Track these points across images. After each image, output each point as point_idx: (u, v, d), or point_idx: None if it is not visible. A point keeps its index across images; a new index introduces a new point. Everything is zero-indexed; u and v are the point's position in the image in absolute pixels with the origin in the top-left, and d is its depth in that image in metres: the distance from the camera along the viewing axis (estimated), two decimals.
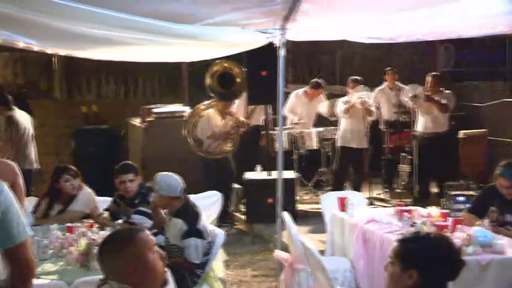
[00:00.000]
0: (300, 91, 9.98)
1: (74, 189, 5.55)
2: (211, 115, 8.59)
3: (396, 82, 9.95)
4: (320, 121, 10.34)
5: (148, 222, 5.14)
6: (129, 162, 5.87)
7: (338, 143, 9.41)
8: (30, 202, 5.83)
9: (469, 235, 4.57)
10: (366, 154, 9.72)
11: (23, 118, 8.62)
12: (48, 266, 4.33)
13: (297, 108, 9.86)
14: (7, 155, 8.35)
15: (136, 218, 5.18)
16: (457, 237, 4.57)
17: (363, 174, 9.54)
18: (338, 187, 8.99)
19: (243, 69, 8.04)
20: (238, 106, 9.11)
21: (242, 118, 8.77)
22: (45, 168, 8.81)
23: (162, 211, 5.11)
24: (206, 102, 8.79)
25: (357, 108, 9.10)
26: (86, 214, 5.48)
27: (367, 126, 9.16)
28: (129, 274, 2.53)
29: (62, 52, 5.85)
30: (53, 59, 11.29)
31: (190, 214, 4.83)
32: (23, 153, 8.54)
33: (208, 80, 8.23)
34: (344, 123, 9.34)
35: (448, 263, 2.62)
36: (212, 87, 8.27)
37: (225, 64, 8.15)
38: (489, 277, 4.35)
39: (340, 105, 9.32)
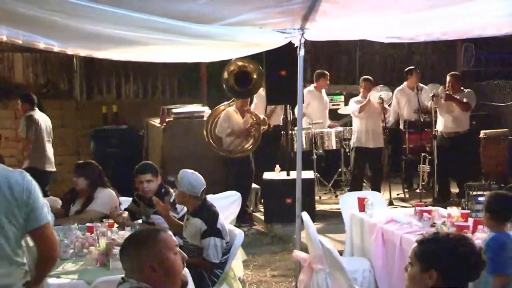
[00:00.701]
0: (311, 87, 9.98)
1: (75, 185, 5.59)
2: (230, 113, 8.61)
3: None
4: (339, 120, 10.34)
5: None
6: (149, 162, 5.88)
7: (354, 144, 9.35)
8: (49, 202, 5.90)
9: None
10: (384, 154, 9.66)
11: (42, 119, 8.74)
12: (69, 266, 4.36)
13: (312, 104, 9.81)
14: (26, 154, 8.49)
15: (155, 218, 5.19)
16: (478, 238, 4.53)
17: (382, 173, 9.49)
18: (355, 188, 8.94)
19: (259, 66, 8.07)
20: (257, 105, 9.13)
21: (262, 116, 8.76)
22: (65, 168, 8.90)
23: (179, 207, 5.16)
24: (226, 102, 8.82)
25: (373, 107, 9.06)
26: (105, 214, 5.51)
27: (384, 125, 9.12)
28: (148, 273, 2.55)
29: (82, 52, 5.90)
30: (74, 59, 11.38)
31: (208, 214, 4.84)
32: (42, 154, 8.64)
33: (225, 80, 8.26)
34: (359, 124, 9.28)
35: (468, 263, 2.59)
36: (229, 86, 8.30)
37: (240, 63, 8.17)
38: None
39: (353, 105, 9.29)
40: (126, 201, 5.73)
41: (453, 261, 2.57)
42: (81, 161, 5.94)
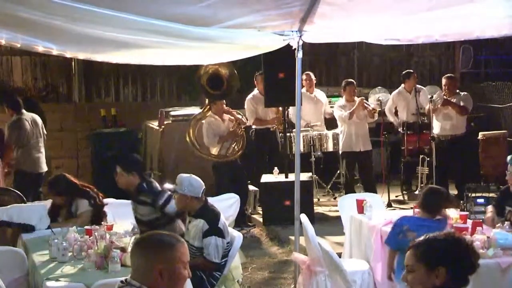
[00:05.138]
0: (303, 89, 9.92)
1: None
2: (211, 122, 8.49)
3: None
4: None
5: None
6: (135, 155, 5.89)
7: (342, 149, 9.29)
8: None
9: (490, 237, 4.53)
10: (371, 156, 9.58)
11: (30, 122, 8.59)
12: (67, 269, 4.37)
13: (303, 105, 9.74)
14: (11, 160, 8.44)
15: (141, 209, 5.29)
16: (477, 239, 4.54)
17: (372, 176, 9.45)
18: (349, 191, 8.88)
19: (232, 67, 8.17)
20: (258, 108, 9.11)
21: (238, 115, 8.72)
22: (64, 171, 8.88)
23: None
24: (200, 111, 8.85)
25: (358, 110, 9.04)
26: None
27: (381, 128, 9.12)
28: (155, 277, 2.56)
29: (81, 56, 5.89)
30: (72, 63, 11.38)
31: (210, 214, 4.87)
32: (31, 157, 8.54)
33: (200, 84, 8.34)
34: (346, 128, 9.19)
35: (468, 254, 2.62)
36: (204, 90, 8.38)
37: (210, 69, 8.24)
38: (510, 280, 4.31)
39: (340, 110, 9.19)
40: (124, 204, 5.73)
41: (458, 254, 2.60)
42: (51, 178, 5.94)
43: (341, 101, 9.38)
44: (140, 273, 2.58)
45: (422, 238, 2.70)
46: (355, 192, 8.66)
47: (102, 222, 5.34)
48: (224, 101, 8.57)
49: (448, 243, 2.62)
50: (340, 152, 9.36)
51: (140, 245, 2.68)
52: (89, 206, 5.54)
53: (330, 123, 9.99)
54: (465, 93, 9.27)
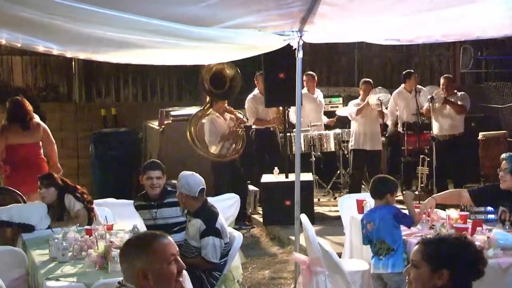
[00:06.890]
0: (304, 89, 9.93)
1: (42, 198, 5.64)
2: (214, 120, 8.50)
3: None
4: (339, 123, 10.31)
5: None
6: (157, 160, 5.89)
7: (352, 146, 9.40)
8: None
9: (490, 238, 4.53)
10: (382, 156, 9.64)
11: None
12: (67, 269, 4.36)
13: (304, 106, 9.76)
14: None
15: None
16: (478, 239, 4.53)
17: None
18: (354, 190, 8.95)
19: (235, 66, 8.17)
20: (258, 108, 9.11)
21: (239, 114, 8.71)
22: (64, 171, 8.88)
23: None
24: (200, 108, 8.84)
25: (370, 109, 9.08)
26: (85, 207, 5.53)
27: (381, 128, 9.14)
28: (141, 279, 2.55)
29: (82, 55, 5.89)
30: (72, 63, 11.38)
31: (208, 214, 4.87)
32: None
33: (201, 84, 8.34)
34: (356, 126, 9.31)
35: (475, 261, 2.62)
36: (207, 90, 8.39)
37: (214, 68, 8.22)
38: (510, 280, 4.31)
39: (352, 107, 9.31)
40: (125, 204, 5.72)
41: (464, 259, 2.59)
42: (42, 174, 5.94)
43: (357, 99, 9.48)
44: (128, 277, 2.58)
45: (432, 236, 2.71)
46: (360, 192, 8.69)
47: (94, 223, 5.33)
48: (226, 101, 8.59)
49: (457, 247, 2.61)
50: (350, 149, 9.46)
51: (121, 250, 2.67)
52: (78, 201, 5.54)
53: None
54: (463, 92, 9.34)
